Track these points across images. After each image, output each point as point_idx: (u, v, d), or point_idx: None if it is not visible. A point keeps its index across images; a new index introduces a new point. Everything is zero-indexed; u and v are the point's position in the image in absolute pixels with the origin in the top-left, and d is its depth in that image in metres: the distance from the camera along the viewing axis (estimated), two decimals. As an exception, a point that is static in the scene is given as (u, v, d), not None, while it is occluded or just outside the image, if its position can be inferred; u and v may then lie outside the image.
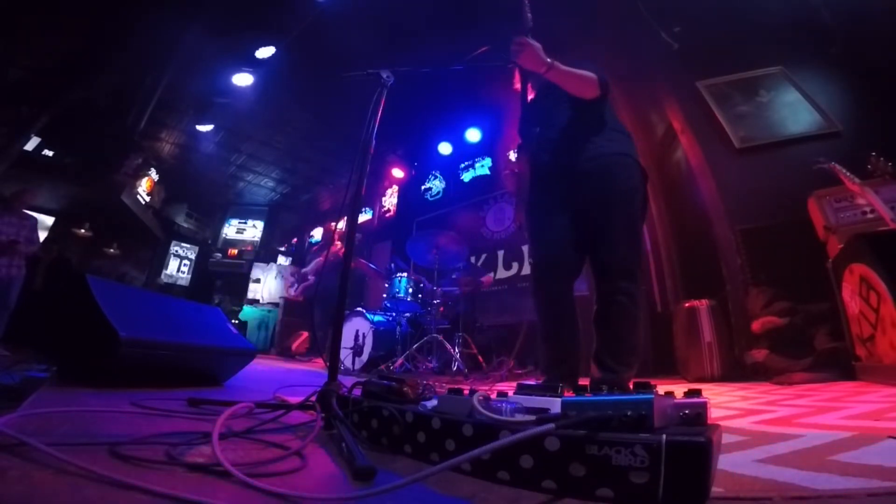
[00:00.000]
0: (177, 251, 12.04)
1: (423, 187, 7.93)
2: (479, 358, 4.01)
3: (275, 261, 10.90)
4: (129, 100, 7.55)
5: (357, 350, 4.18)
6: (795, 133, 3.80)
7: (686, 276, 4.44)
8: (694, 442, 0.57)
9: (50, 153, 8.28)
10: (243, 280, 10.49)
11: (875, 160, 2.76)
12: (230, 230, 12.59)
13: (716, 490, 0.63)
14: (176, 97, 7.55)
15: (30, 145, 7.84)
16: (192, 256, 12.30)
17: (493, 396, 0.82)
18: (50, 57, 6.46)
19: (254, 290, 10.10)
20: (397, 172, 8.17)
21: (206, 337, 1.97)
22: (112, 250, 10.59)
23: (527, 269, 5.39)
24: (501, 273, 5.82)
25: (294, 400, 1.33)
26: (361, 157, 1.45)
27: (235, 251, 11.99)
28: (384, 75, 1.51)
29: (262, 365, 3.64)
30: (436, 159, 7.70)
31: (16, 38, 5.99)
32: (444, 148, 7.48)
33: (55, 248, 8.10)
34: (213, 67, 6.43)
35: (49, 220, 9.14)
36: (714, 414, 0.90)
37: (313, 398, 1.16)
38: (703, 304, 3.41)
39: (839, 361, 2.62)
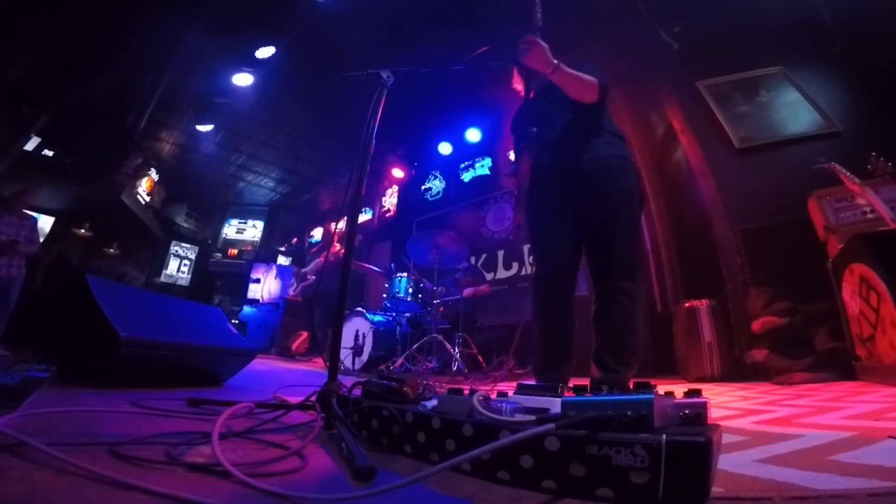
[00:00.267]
0: (177, 251, 12.05)
1: (423, 187, 7.93)
2: (479, 358, 4.00)
3: (275, 261, 10.89)
4: (129, 100, 7.55)
5: (357, 350, 4.18)
6: (795, 133, 3.80)
7: (686, 276, 4.44)
8: (694, 442, 0.57)
9: (50, 153, 8.29)
10: (243, 280, 10.49)
11: (875, 160, 2.76)
12: (230, 230, 12.59)
13: (716, 490, 0.63)
14: (176, 97, 7.55)
15: (30, 145, 7.85)
16: (192, 256, 12.30)
17: (493, 396, 0.82)
18: (50, 57, 6.47)
19: (254, 290, 10.09)
20: (397, 172, 8.16)
21: (206, 337, 1.97)
22: (112, 250, 10.59)
23: (527, 269, 5.39)
24: (501, 273, 5.81)
25: (294, 400, 1.33)
26: (361, 157, 1.45)
27: (235, 251, 11.99)
28: (384, 75, 1.51)
29: (262, 365, 3.63)
30: (436, 159, 7.70)
31: (16, 38, 6.00)
32: (444, 148, 7.48)
33: (55, 248, 8.10)
34: (213, 67, 6.43)
35: (49, 220, 9.15)
36: (714, 414, 0.90)
37: (313, 398, 1.16)
38: (703, 304, 3.41)
39: (839, 361, 2.62)
